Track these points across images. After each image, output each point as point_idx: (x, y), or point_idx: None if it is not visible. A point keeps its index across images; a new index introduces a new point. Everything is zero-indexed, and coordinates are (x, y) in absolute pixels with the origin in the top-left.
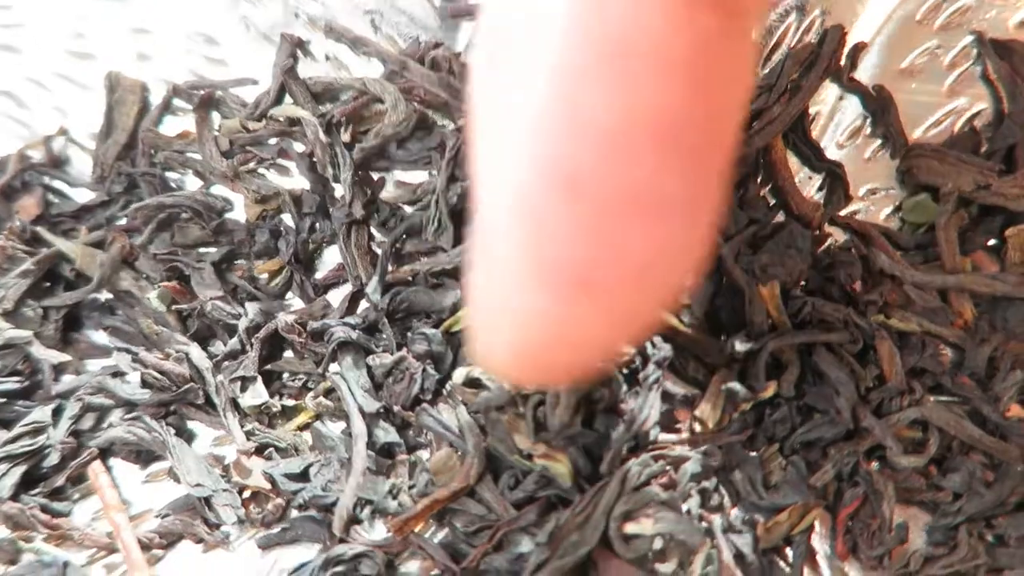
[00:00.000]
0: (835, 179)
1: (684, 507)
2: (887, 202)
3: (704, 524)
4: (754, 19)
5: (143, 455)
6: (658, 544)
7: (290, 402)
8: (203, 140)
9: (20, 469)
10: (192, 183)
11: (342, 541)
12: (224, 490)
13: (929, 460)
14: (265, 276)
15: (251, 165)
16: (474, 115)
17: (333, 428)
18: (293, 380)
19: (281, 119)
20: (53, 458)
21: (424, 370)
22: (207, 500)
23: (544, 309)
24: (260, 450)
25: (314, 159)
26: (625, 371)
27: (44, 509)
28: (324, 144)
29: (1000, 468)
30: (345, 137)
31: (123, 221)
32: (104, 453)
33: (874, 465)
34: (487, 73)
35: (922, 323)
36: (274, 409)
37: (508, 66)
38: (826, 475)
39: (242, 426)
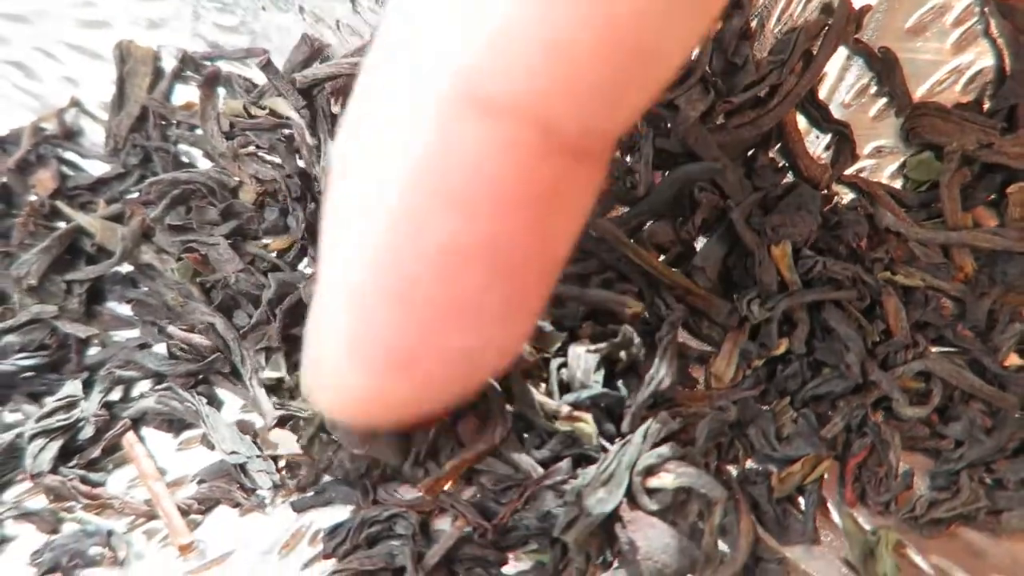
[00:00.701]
0: (842, 139)
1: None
2: (892, 160)
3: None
4: (603, 159)
5: (175, 424)
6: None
7: None
8: (206, 117)
9: (57, 443)
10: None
11: (375, 502)
12: (258, 456)
13: (932, 409)
14: (274, 253)
15: (251, 148)
16: (330, 200)
17: None
18: None
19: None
20: (88, 431)
21: None
22: (242, 467)
23: (358, 384)
24: (284, 421)
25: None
26: (642, 333)
27: (83, 480)
28: (311, 146)
29: (999, 416)
30: (336, 109)
31: (136, 195)
32: (135, 423)
33: (880, 415)
34: (348, 166)
35: (925, 278)
36: (290, 383)
37: (366, 169)
38: (836, 427)
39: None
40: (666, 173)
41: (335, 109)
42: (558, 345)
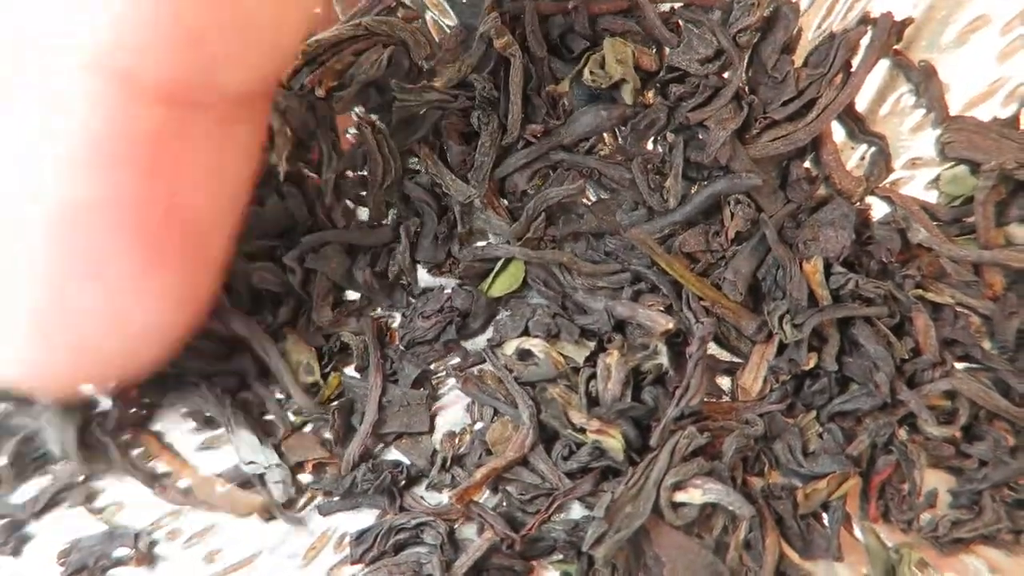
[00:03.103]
0: (878, 152)
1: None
2: (926, 171)
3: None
4: (241, 115)
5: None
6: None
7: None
8: None
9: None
10: None
11: (403, 509)
12: (276, 465)
13: (958, 429)
14: None
15: None
16: None
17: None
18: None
19: None
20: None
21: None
22: (260, 477)
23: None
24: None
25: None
26: (669, 342)
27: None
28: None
29: (1023, 436)
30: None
31: None
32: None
33: (902, 432)
34: None
35: (955, 295)
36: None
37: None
38: (862, 444)
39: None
40: (699, 183)
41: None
42: (586, 356)
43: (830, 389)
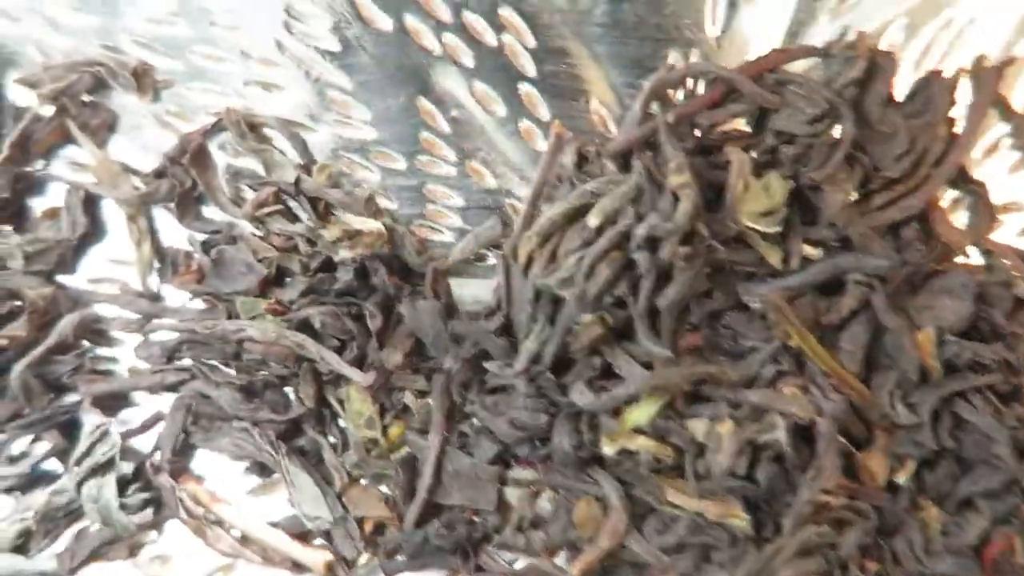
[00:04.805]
0: (979, 201)
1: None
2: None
3: None
4: None
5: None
6: None
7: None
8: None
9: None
10: None
11: (479, 569)
12: (342, 519)
13: None
14: None
15: None
16: None
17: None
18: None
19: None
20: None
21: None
22: (326, 533)
23: None
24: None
25: None
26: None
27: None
28: None
29: None
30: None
31: None
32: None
33: None
34: None
35: None
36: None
37: None
38: (982, 527)
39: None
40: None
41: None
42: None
43: (952, 472)
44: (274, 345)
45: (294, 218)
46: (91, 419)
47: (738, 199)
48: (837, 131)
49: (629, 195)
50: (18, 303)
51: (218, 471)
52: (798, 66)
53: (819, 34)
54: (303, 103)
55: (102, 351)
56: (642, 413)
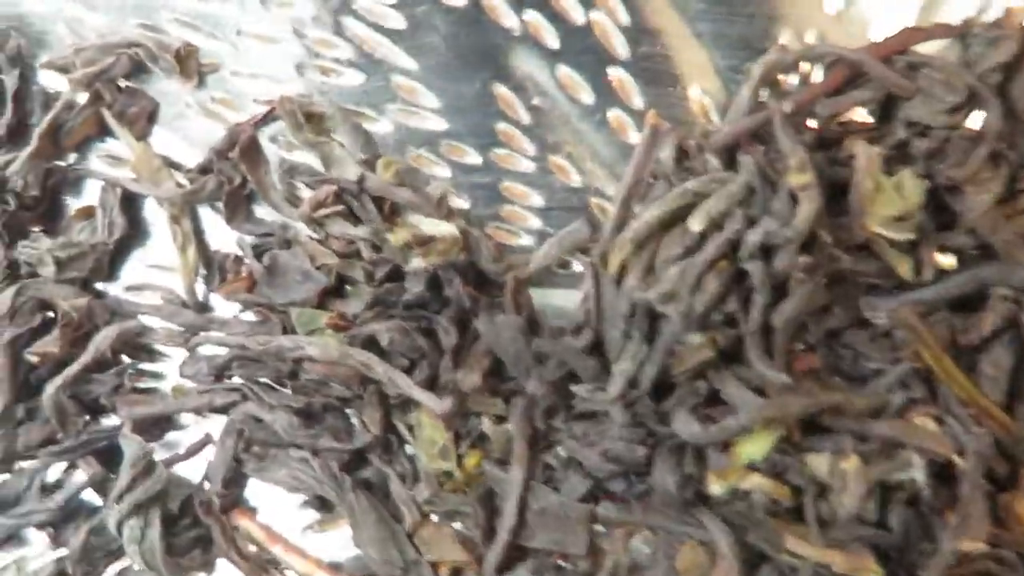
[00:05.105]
0: None
1: None
2: None
3: None
4: None
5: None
6: None
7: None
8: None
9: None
10: None
11: None
12: (414, 563)
13: None
14: None
15: None
16: None
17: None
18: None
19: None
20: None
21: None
22: None
23: None
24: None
25: None
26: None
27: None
28: None
29: None
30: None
31: None
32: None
33: None
34: None
35: None
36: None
37: None
38: None
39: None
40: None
41: None
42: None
43: None
44: (337, 365)
45: (356, 220)
46: (132, 447)
47: (866, 201)
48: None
49: (738, 196)
50: (50, 314)
51: (271, 502)
52: (930, 47)
53: (956, 10)
54: (365, 90)
55: (145, 366)
56: (756, 447)
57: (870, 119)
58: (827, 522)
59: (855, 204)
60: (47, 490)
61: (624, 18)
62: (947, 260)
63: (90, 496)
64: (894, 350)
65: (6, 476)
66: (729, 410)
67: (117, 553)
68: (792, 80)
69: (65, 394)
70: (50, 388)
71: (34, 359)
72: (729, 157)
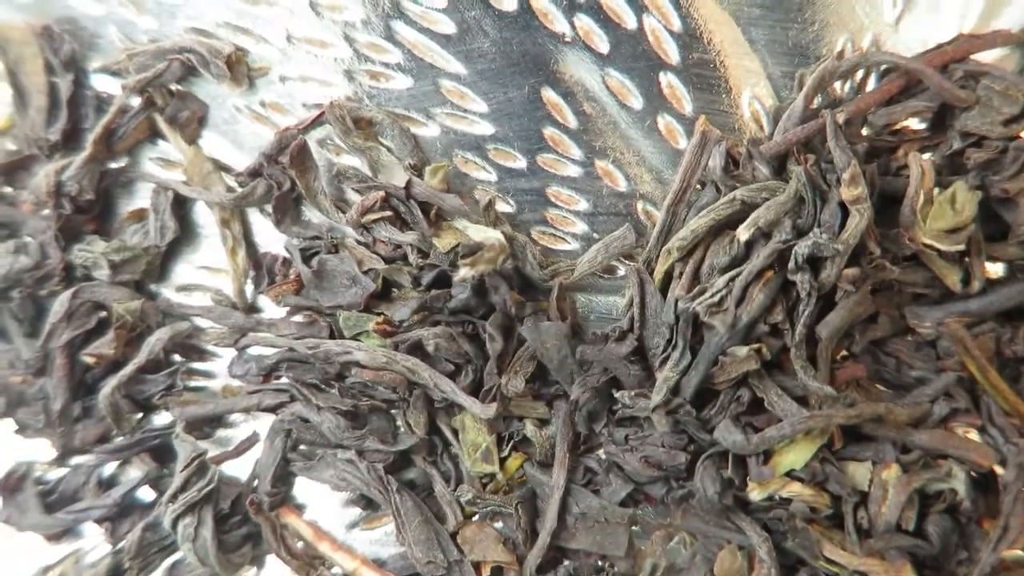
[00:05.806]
0: None
1: None
2: None
3: None
4: None
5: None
6: None
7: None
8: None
9: (208, 514)
10: None
11: None
12: (457, 563)
13: None
14: None
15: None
16: None
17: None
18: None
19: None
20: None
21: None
22: None
23: None
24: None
25: None
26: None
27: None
28: None
29: None
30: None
31: None
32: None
33: None
34: None
35: None
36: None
37: None
38: None
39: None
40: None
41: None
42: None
43: None
44: (384, 371)
45: (403, 225)
46: (186, 448)
47: (919, 214)
48: None
49: (787, 206)
50: (103, 314)
51: (317, 500)
52: (989, 56)
53: (1016, 17)
54: (413, 94)
55: (195, 365)
56: (797, 456)
57: (922, 127)
58: (865, 530)
59: (906, 216)
60: (103, 485)
61: (676, 24)
62: (996, 271)
63: (143, 491)
64: (938, 359)
65: (64, 471)
66: (770, 417)
67: (170, 548)
68: (844, 89)
69: (120, 394)
70: (106, 388)
71: (90, 361)
72: (778, 166)
